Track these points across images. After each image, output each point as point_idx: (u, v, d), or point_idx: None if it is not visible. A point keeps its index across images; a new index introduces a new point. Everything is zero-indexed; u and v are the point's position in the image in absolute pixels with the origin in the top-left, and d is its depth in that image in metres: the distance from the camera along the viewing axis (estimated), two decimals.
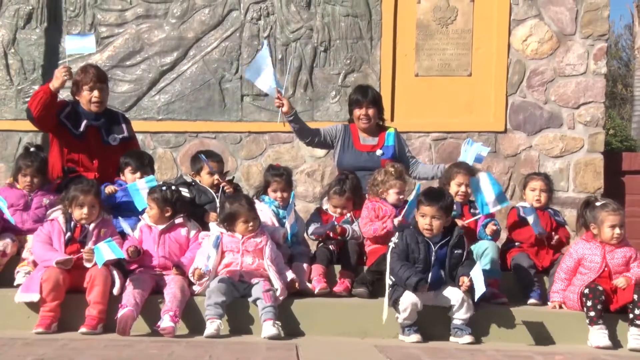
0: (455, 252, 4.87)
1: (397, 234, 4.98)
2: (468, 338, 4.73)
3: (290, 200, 5.37)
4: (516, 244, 5.60)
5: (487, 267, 5.37)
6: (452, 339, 4.79)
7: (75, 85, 5.72)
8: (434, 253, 4.83)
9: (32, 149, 5.58)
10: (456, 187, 5.52)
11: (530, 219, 5.41)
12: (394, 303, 4.77)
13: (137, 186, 5.32)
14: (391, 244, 4.93)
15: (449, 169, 5.71)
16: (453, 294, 4.79)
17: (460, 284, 4.77)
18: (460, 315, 4.78)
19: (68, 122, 5.65)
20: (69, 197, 5.02)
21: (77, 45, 5.70)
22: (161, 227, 5.11)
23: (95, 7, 8.09)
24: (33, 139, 7.68)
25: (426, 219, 4.82)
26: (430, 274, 4.80)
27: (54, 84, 5.51)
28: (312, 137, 6.09)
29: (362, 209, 5.49)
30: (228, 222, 5.05)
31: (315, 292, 5.14)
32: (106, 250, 4.73)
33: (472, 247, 5.47)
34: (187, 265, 5.03)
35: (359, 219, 5.47)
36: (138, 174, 5.52)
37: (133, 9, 8.12)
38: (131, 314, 4.63)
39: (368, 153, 6.01)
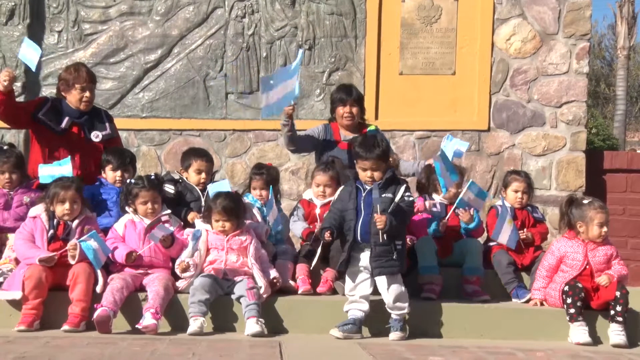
0: (384, 195, 4.80)
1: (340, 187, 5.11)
2: (396, 335, 4.75)
3: (270, 197, 5.38)
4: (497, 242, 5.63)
5: (471, 265, 5.42)
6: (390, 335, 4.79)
7: (65, 83, 5.69)
8: (362, 199, 4.83)
9: (5, 147, 5.56)
10: None
11: (503, 234, 5.35)
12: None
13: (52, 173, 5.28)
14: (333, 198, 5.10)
15: (434, 170, 5.70)
16: (384, 290, 4.79)
17: (374, 220, 4.70)
18: (395, 311, 4.79)
19: (47, 119, 5.61)
20: (50, 195, 5.00)
21: (28, 55, 5.42)
22: (147, 222, 5.10)
23: (78, 4, 8.05)
24: (16, 136, 7.65)
25: (367, 172, 4.86)
26: (359, 222, 4.79)
27: None
28: (300, 145, 6.10)
29: None
30: (207, 216, 5.08)
31: (299, 293, 5.17)
32: (96, 247, 4.73)
33: (456, 245, 5.53)
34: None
35: None
36: (119, 172, 5.51)
37: (117, 6, 8.08)
38: (106, 313, 4.61)
39: (349, 151, 6.03)
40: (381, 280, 4.80)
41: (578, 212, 5.15)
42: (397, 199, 4.80)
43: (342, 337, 4.70)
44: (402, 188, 4.85)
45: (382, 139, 5.03)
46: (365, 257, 4.82)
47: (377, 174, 4.84)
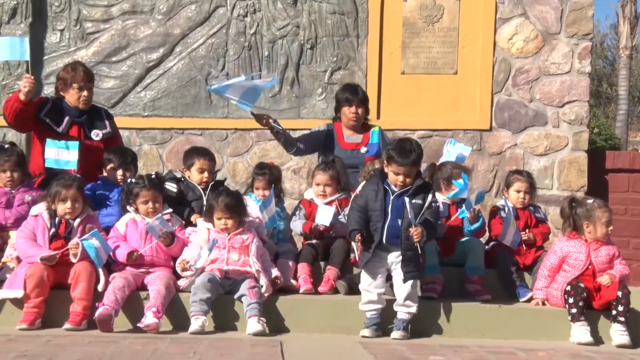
0: (414, 201, 4.77)
1: (362, 183, 5.02)
2: (398, 334, 4.76)
3: (270, 195, 5.39)
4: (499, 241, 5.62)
5: (473, 264, 5.42)
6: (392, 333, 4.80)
7: (63, 83, 5.70)
8: (390, 202, 4.80)
9: (6, 146, 5.56)
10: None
11: (508, 236, 5.38)
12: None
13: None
14: (355, 193, 5.02)
15: (437, 169, 5.70)
16: (400, 288, 4.81)
17: (411, 234, 4.68)
18: (403, 309, 4.81)
19: (49, 119, 5.62)
20: (51, 193, 5.00)
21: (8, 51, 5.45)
22: (149, 221, 5.10)
23: (80, 3, 8.05)
24: (17, 135, 7.64)
25: (399, 177, 4.79)
26: (386, 224, 4.76)
27: (21, 96, 5.44)
28: (298, 147, 6.12)
29: (348, 200, 5.48)
30: (208, 215, 5.08)
31: (300, 292, 5.16)
32: (97, 246, 4.74)
33: (458, 244, 5.53)
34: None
35: (346, 208, 5.45)
36: (120, 171, 5.52)
37: (119, 4, 8.09)
38: (108, 312, 4.61)
39: (352, 151, 6.05)
40: (405, 281, 4.82)
41: (583, 213, 5.12)
42: (426, 205, 4.80)
43: (374, 337, 4.72)
44: (430, 194, 4.85)
45: (417, 144, 4.95)
46: (391, 257, 4.83)
47: (408, 180, 4.80)
